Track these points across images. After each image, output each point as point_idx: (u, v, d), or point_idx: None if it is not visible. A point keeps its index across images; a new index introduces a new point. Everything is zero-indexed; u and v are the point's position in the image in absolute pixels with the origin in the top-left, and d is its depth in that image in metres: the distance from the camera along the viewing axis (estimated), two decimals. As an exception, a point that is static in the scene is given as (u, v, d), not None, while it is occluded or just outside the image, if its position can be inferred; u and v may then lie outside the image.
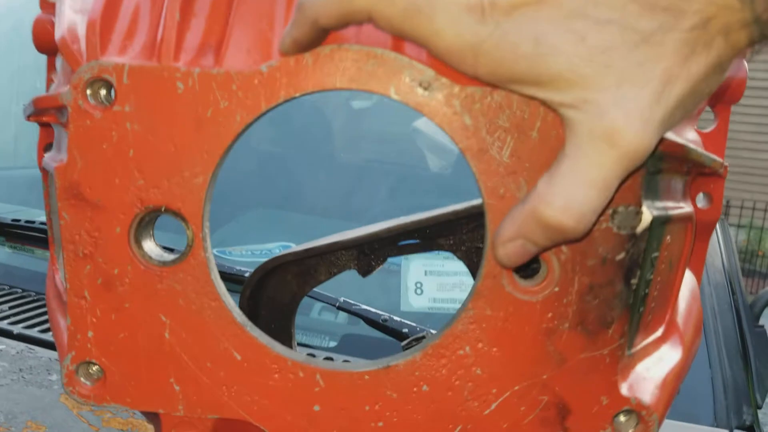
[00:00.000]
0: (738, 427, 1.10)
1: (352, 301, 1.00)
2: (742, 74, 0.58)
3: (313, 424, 0.46)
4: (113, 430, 0.78)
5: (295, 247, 0.61)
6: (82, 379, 0.47)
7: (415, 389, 0.45)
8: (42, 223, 1.20)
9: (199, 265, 0.45)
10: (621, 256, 0.43)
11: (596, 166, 0.37)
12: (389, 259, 0.62)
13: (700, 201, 0.60)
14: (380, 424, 0.46)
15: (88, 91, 0.42)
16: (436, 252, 0.61)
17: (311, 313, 1.21)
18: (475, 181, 0.42)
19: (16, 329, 1.04)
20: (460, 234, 0.59)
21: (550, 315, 0.44)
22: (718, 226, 1.62)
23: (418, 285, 1.20)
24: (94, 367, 0.46)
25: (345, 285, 1.10)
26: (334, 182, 1.47)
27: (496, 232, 0.41)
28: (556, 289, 0.44)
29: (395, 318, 0.97)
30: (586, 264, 0.43)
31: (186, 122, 0.42)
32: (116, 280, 0.45)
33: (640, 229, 0.43)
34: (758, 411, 1.22)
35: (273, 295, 0.62)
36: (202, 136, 0.42)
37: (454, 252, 0.59)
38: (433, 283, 1.20)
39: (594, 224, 0.40)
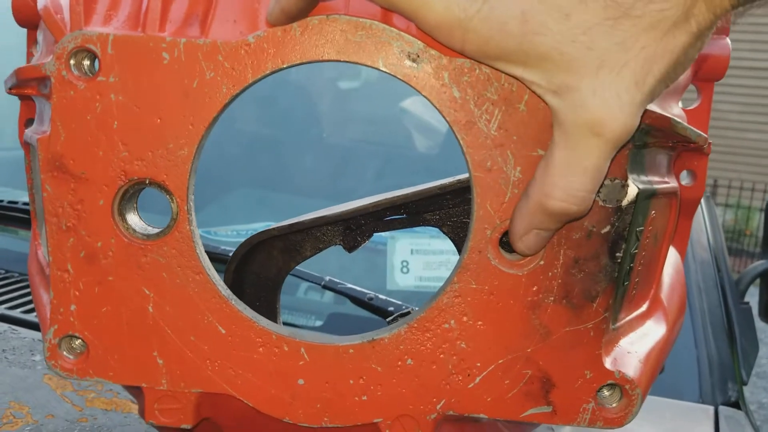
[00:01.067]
0: (723, 404, 1.11)
1: (338, 280, 1.00)
2: (726, 52, 0.58)
3: (296, 397, 0.46)
4: (97, 410, 0.77)
5: (280, 222, 0.61)
6: (64, 352, 0.46)
7: (399, 363, 0.45)
8: (25, 204, 1.19)
9: (184, 238, 0.44)
10: (606, 229, 0.43)
11: (585, 154, 0.38)
12: (375, 238, 0.62)
13: (684, 178, 0.60)
14: (364, 397, 0.46)
15: (72, 62, 0.42)
16: (423, 230, 0.61)
17: (297, 293, 1.21)
18: (462, 155, 0.42)
19: (-1, 309, 1.04)
20: (447, 208, 0.59)
21: (535, 288, 0.44)
22: (704, 204, 1.63)
23: (404, 263, 1.20)
24: (77, 341, 0.46)
25: (331, 264, 1.10)
26: (321, 162, 1.47)
27: (510, 229, 0.42)
28: (542, 262, 0.44)
29: (381, 296, 0.97)
30: (571, 237, 0.43)
31: (171, 93, 0.42)
32: (99, 253, 0.45)
33: (625, 202, 0.43)
34: (743, 387, 1.24)
35: (258, 271, 0.62)
36: (188, 107, 0.42)
37: (440, 227, 0.59)
38: (419, 261, 1.20)
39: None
